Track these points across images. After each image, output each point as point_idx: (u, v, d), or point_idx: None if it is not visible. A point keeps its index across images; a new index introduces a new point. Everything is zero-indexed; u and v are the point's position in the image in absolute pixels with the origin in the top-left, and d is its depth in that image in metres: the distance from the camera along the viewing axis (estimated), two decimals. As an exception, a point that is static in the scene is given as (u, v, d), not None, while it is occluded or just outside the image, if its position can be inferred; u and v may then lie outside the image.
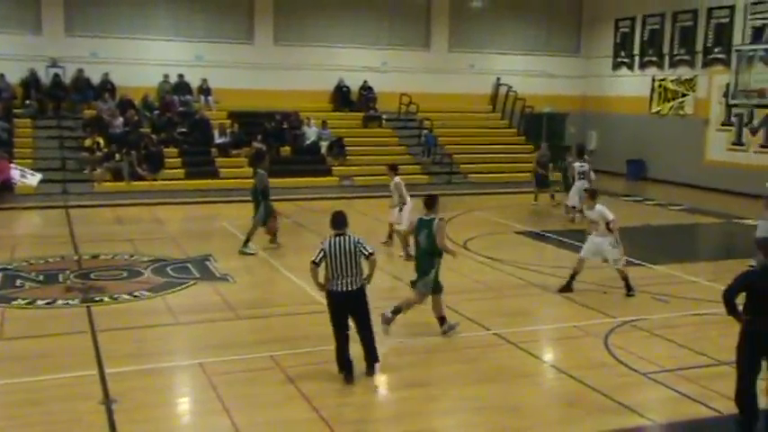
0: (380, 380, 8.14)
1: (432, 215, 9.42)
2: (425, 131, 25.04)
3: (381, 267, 9.49)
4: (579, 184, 17.14)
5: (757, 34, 20.06)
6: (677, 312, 10.69)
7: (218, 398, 7.50)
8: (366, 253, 8.01)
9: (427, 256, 9.33)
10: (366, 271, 8.09)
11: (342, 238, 8.01)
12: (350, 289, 7.94)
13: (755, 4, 21.49)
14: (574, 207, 17.43)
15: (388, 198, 14.71)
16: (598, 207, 11.59)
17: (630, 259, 14.03)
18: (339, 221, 8.14)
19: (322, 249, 7.98)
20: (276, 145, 23.07)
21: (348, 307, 8.01)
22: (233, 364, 8.39)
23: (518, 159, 25.18)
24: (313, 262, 7.99)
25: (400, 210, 14.08)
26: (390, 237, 14.38)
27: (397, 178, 14.40)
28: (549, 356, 9.28)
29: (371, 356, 8.16)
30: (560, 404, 7.70)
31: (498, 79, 27.61)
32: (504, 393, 7.84)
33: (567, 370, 8.47)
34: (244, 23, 25.22)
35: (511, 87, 27.05)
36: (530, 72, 27.81)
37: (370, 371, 8.12)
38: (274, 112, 24.02)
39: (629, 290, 11.43)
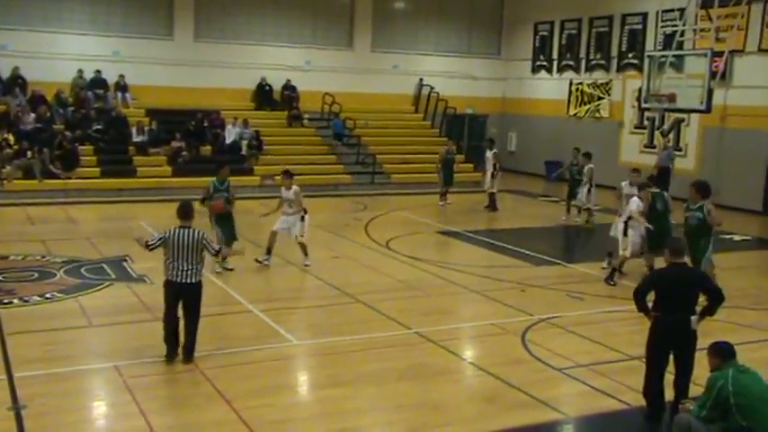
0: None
1: None
2: (333, 119, 25.10)
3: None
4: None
5: (668, 41, 20.84)
6: (591, 310, 11.01)
7: (133, 401, 7.31)
8: (212, 251, 8.30)
9: None
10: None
11: (186, 230, 8.12)
12: (187, 281, 8.09)
13: (666, 11, 22.35)
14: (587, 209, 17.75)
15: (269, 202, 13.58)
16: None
17: (547, 258, 14.46)
18: (183, 213, 8.23)
19: (162, 237, 8.13)
20: (196, 144, 22.68)
21: (182, 298, 8.16)
22: (150, 366, 8.18)
23: (438, 156, 25.44)
24: (147, 245, 8.19)
25: (302, 219, 12.74)
26: (305, 253, 12.91)
27: (296, 186, 12.90)
28: (468, 354, 9.41)
29: (190, 347, 8.25)
30: (479, 400, 7.82)
31: (421, 80, 27.87)
32: (423, 391, 7.91)
33: (486, 367, 8.62)
34: (163, 19, 24.65)
35: (433, 88, 27.35)
36: (452, 73, 28.19)
37: (187, 358, 8.22)
38: (195, 111, 23.57)
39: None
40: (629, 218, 12.26)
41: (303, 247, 12.88)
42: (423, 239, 16.18)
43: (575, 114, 26.87)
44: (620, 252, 12.45)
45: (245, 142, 23.12)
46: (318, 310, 10.96)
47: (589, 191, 17.61)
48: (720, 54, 18.08)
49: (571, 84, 26.97)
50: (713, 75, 17.25)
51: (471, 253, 15.22)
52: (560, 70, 27.44)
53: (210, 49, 24.75)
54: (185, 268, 8.06)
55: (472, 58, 29.08)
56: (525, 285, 12.21)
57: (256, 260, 12.81)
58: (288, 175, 12.87)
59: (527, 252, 14.76)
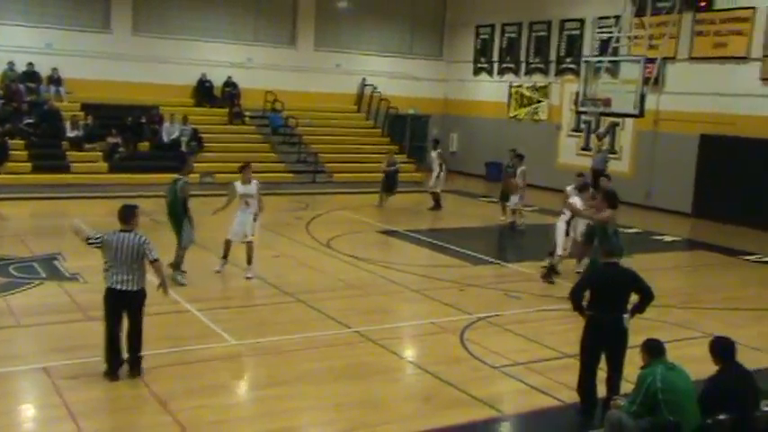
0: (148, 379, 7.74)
1: None
2: (270, 113, 24.93)
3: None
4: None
5: (604, 47, 21.33)
6: (528, 308, 11.21)
7: (63, 403, 7.11)
8: (151, 257, 7.62)
9: None
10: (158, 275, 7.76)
11: (127, 234, 7.63)
12: (126, 289, 7.60)
13: (602, 18, 22.91)
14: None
15: (220, 198, 12.35)
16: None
17: (486, 257, 14.65)
18: (123, 216, 7.73)
19: (100, 238, 7.69)
20: (134, 140, 22.22)
21: (123, 307, 7.68)
22: (81, 367, 7.96)
23: (382, 160, 25.50)
24: (87, 240, 7.77)
25: (254, 219, 11.90)
26: (249, 260, 11.96)
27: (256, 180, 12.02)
28: (407, 353, 9.46)
29: (134, 361, 7.77)
30: (417, 399, 7.88)
31: (364, 80, 27.90)
32: (362, 390, 7.92)
33: (425, 365, 8.69)
34: (100, 11, 24.04)
35: (376, 88, 27.41)
36: (394, 74, 28.29)
37: (133, 373, 7.73)
38: (133, 106, 23.08)
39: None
40: (572, 217, 12.58)
41: (250, 250, 11.87)
42: (364, 239, 16.19)
43: (514, 116, 27.27)
44: (559, 252, 12.73)
45: (184, 139, 22.75)
46: (258, 309, 10.87)
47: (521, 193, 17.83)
48: (653, 61, 18.61)
49: (511, 86, 27.37)
50: (646, 80, 17.74)
51: (412, 252, 15.31)
52: (501, 73, 27.82)
53: (149, 43, 24.27)
54: (125, 275, 7.57)
55: (414, 59, 29.24)
56: (464, 285, 12.33)
57: (247, 277, 11.89)
58: (247, 168, 11.94)
59: (467, 252, 14.92)
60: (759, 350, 9.38)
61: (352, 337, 9.53)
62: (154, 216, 17.13)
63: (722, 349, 6.10)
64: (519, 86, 27.09)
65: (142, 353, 7.86)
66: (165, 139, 22.68)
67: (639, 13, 20.00)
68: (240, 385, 8.33)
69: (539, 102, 26.44)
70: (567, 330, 9.38)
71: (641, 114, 18.61)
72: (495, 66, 27.98)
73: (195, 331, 9.44)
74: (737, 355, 6.16)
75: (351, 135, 26.48)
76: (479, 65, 28.68)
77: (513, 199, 17.71)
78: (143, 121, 22.81)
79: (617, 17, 20.40)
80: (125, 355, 7.77)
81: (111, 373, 7.68)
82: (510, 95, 27.40)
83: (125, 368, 7.78)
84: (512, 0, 27.03)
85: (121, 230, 7.69)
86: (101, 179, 20.55)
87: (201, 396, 7.52)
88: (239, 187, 11.85)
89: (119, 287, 7.60)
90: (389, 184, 20.18)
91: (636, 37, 20.04)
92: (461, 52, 29.34)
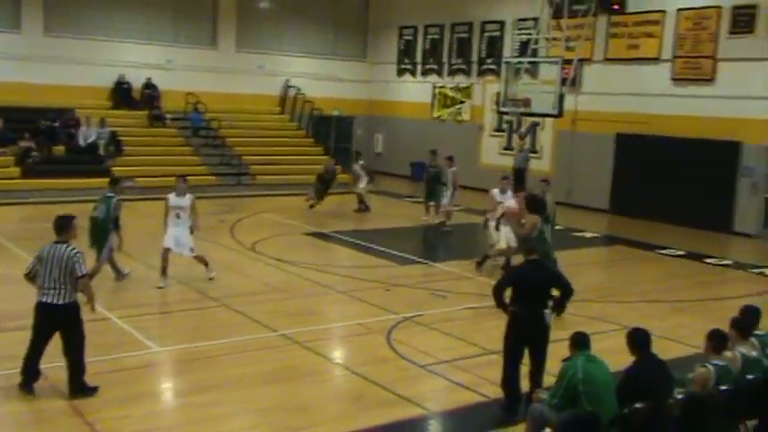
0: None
1: None
2: (191, 114, 24.59)
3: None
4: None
5: (523, 48, 21.81)
6: (454, 307, 11.35)
7: (-25, 419, 6.82)
8: (78, 273, 7.23)
9: None
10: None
11: (59, 246, 7.30)
12: (56, 302, 7.23)
13: (521, 20, 23.41)
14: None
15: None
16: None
17: (412, 257, 14.76)
18: (57, 226, 7.46)
19: (37, 257, 7.36)
20: (48, 144, 21.46)
21: (51, 321, 7.30)
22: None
23: (307, 161, 25.42)
24: (25, 275, 7.42)
25: (191, 233, 11.78)
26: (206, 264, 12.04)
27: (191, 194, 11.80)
28: (334, 354, 9.45)
29: (75, 383, 7.37)
30: (344, 400, 7.88)
31: (287, 81, 27.71)
32: (289, 393, 7.87)
33: (352, 366, 8.70)
34: (9, 10, 23.08)
35: (299, 90, 27.27)
36: (318, 75, 28.19)
37: (72, 393, 7.34)
38: (46, 109, 22.29)
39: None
40: (503, 215, 12.88)
41: (201, 260, 11.88)
42: (289, 241, 16.07)
43: (438, 117, 27.57)
44: (496, 247, 13.12)
45: (101, 143, 22.11)
46: (181, 315, 10.67)
47: (453, 194, 17.98)
48: (570, 62, 19.12)
49: (434, 87, 27.66)
50: (564, 81, 18.19)
51: (338, 254, 15.29)
52: (424, 74, 28.07)
53: (63, 44, 23.48)
54: (52, 287, 7.21)
55: (338, 60, 29.22)
56: (391, 285, 12.40)
57: (209, 278, 11.87)
58: (180, 179, 11.71)
59: (393, 252, 15.00)
60: (674, 341, 9.74)
61: (278, 341, 9.45)
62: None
63: (638, 340, 6.31)
64: (442, 87, 27.40)
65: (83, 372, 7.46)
66: (82, 142, 22.00)
67: (557, 15, 20.48)
68: (164, 393, 8.15)
69: (461, 102, 26.81)
70: (492, 327, 9.52)
71: (560, 114, 19.07)
72: (419, 67, 28.22)
73: (116, 339, 9.19)
74: (653, 345, 6.37)
75: (275, 137, 26.26)
76: (403, 66, 28.88)
77: (444, 200, 17.87)
78: (57, 124, 22.06)
79: (535, 19, 20.85)
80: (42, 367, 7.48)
81: (25, 386, 7.38)
82: (433, 96, 27.69)
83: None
84: (434, 2, 27.32)
85: (56, 242, 7.39)
86: (13, 185, 19.77)
87: (122, 406, 7.32)
88: (172, 199, 11.63)
89: (45, 299, 7.27)
90: (325, 189, 19.83)
91: (554, 39, 20.55)
92: (385, 53, 29.49)
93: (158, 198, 20.07)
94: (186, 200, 11.60)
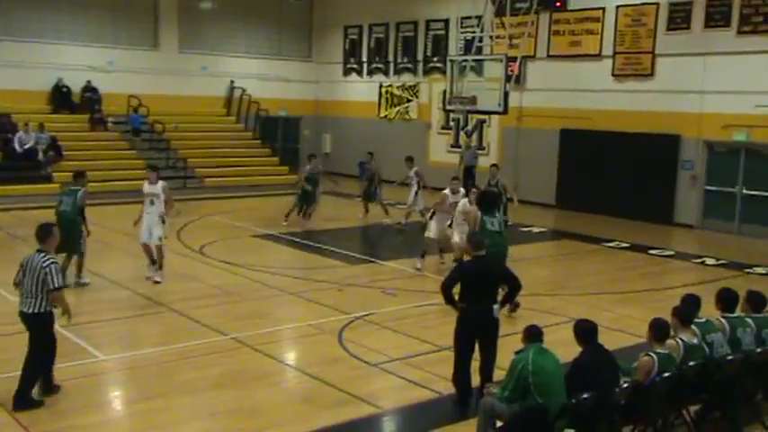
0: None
1: None
2: (131, 114, 24.24)
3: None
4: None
5: (468, 46, 22.01)
6: (404, 305, 11.37)
7: None
8: (50, 285, 7.16)
9: None
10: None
11: (37, 255, 7.31)
12: (27, 311, 7.26)
13: (465, 18, 23.61)
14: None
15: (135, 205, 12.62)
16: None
17: (362, 257, 14.76)
18: (38, 234, 7.49)
19: (20, 264, 7.41)
20: (-15, 149, 20.88)
21: (29, 330, 7.39)
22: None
23: (254, 162, 25.26)
24: (14, 283, 7.47)
25: (162, 221, 12.12)
26: (155, 262, 12.14)
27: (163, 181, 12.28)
28: (285, 356, 9.39)
29: (17, 390, 7.24)
30: (296, 402, 7.82)
31: (232, 82, 27.44)
32: (240, 397, 7.79)
33: (304, 368, 8.66)
34: (-62, 12, 22.42)
35: (245, 90, 27.02)
36: (263, 76, 27.98)
37: (15, 406, 7.18)
38: (-20, 114, 21.70)
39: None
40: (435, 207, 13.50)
41: (160, 253, 12.05)
42: (238, 243, 15.91)
43: (385, 116, 27.63)
44: (426, 233, 13.63)
45: (41, 147, 21.55)
46: (128, 321, 10.45)
47: (416, 194, 17.84)
48: (514, 59, 19.37)
49: (381, 86, 27.70)
50: (509, 78, 18.43)
51: (288, 255, 15.20)
52: (370, 73, 28.11)
53: (-3, 47, 22.84)
54: (26, 296, 7.24)
55: (284, 60, 29.04)
56: (341, 285, 12.37)
57: (155, 281, 11.93)
58: (153, 168, 12.34)
59: (343, 252, 14.97)
60: (620, 331, 9.95)
61: (228, 344, 9.34)
62: (10, 230, 16.20)
63: (584, 332, 6.42)
64: (389, 86, 27.46)
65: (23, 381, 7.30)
66: (18, 148, 21.39)
67: (500, 13, 20.74)
68: (112, 402, 7.97)
69: (408, 101, 26.91)
70: (443, 324, 9.58)
71: (505, 111, 19.35)
72: (365, 66, 28.24)
73: (61, 349, 8.91)
74: (600, 336, 6.49)
75: (221, 139, 26.01)
76: (349, 65, 28.86)
77: (409, 200, 17.77)
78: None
79: (479, 17, 21.06)
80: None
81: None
82: (380, 95, 27.73)
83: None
84: (379, 1, 27.37)
85: (37, 250, 7.38)
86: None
87: (67, 417, 7.14)
88: (145, 187, 12.16)
89: (21, 308, 7.34)
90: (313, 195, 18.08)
91: (498, 36, 20.81)
92: (330, 53, 29.43)
93: (103, 203, 19.76)
94: (158, 186, 12.05)
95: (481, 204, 10.86)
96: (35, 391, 7.38)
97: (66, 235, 10.86)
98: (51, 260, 7.29)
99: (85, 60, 24.42)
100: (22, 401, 7.21)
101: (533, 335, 6.40)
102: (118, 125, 24.28)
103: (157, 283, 11.93)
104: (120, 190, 21.09)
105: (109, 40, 25.18)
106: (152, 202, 12.04)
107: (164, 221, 12.08)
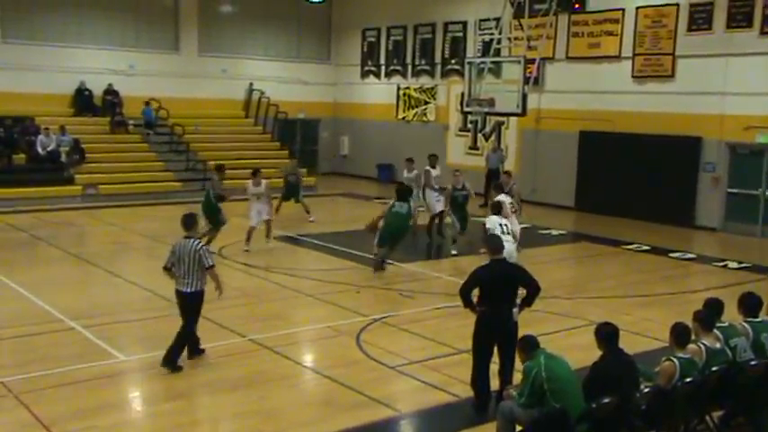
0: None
1: None
2: (144, 108, 24.34)
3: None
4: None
5: (486, 48, 21.96)
6: (422, 307, 11.36)
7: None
8: (206, 264, 8.27)
9: None
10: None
11: (187, 241, 8.32)
12: (186, 291, 8.33)
13: (483, 20, 23.55)
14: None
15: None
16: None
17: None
18: (184, 223, 8.52)
19: (171, 251, 8.37)
20: (7, 153, 21.08)
21: (182, 306, 8.46)
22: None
23: (273, 165, 25.27)
24: (164, 267, 8.43)
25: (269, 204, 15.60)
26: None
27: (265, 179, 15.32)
28: (304, 358, 9.40)
29: (170, 354, 8.38)
30: (315, 404, 7.84)
31: (251, 85, 27.56)
32: (260, 398, 7.82)
33: (322, 370, 8.67)
34: (-36, 17, 22.70)
35: (264, 93, 27.13)
36: (282, 78, 28.06)
37: (164, 365, 8.39)
38: (4, 117, 21.90)
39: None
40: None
41: (268, 226, 15.26)
42: (256, 245, 15.93)
43: (403, 118, 27.63)
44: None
45: (63, 150, 21.76)
46: (148, 322, 10.51)
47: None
48: (533, 61, 19.30)
49: (399, 88, 27.70)
50: (527, 80, 18.36)
51: (306, 257, 15.24)
52: (388, 75, 28.11)
53: (20, 51, 23.06)
54: (183, 277, 8.26)
55: (302, 62, 29.12)
56: (359, 287, 12.38)
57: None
58: (256, 173, 15.10)
59: (360, 254, 14.97)
60: (640, 335, 9.86)
61: (247, 346, 9.38)
62: (33, 231, 16.37)
63: (605, 335, 6.37)
64: (407, 88, 27.45)
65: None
66: (41, 150, 21.61)
67: (518, 14, 20.67)
68: (133, 402, 8.03)
69: (426, 103, 26.88)
70: (461, 327, 9.53)
71: (524, 113, 19.27)
72: (383, 68, 28.25)
73: (80, 349, 9.05)
74: (620, 340, 6.44)
75: (240, 141, 26.08)
76: (367, 68, 28.88)
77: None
78: (15, 132, 21.68)
79: (497, 19, 21.00)
80: None
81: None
82: (398, 97, 27.73)
83: None
84: (397, 3, 27.38)
85: (185, 237, 8.40)
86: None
87: (88, 417, 7.21)
88: (251, 188, 15.03)
89: (179, 288, 8.37)
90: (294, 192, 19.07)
91: (516, 38, 20.74)
92: (349, 55, 29.47)
93: (122, 205, 19.96)
94: (262, 187, 14.97)
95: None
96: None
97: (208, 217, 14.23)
98: (201, 243, 8.43)
99: (107, 64, 24.63)
100: (169, 363, 8.32)
101: (528, 344, 6.39)
102: (138, 128, 24.45)
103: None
104: (140, 192, 21.30)
105: (130, 44, 25.39)
106: (258, 198, 14.95)
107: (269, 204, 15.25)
